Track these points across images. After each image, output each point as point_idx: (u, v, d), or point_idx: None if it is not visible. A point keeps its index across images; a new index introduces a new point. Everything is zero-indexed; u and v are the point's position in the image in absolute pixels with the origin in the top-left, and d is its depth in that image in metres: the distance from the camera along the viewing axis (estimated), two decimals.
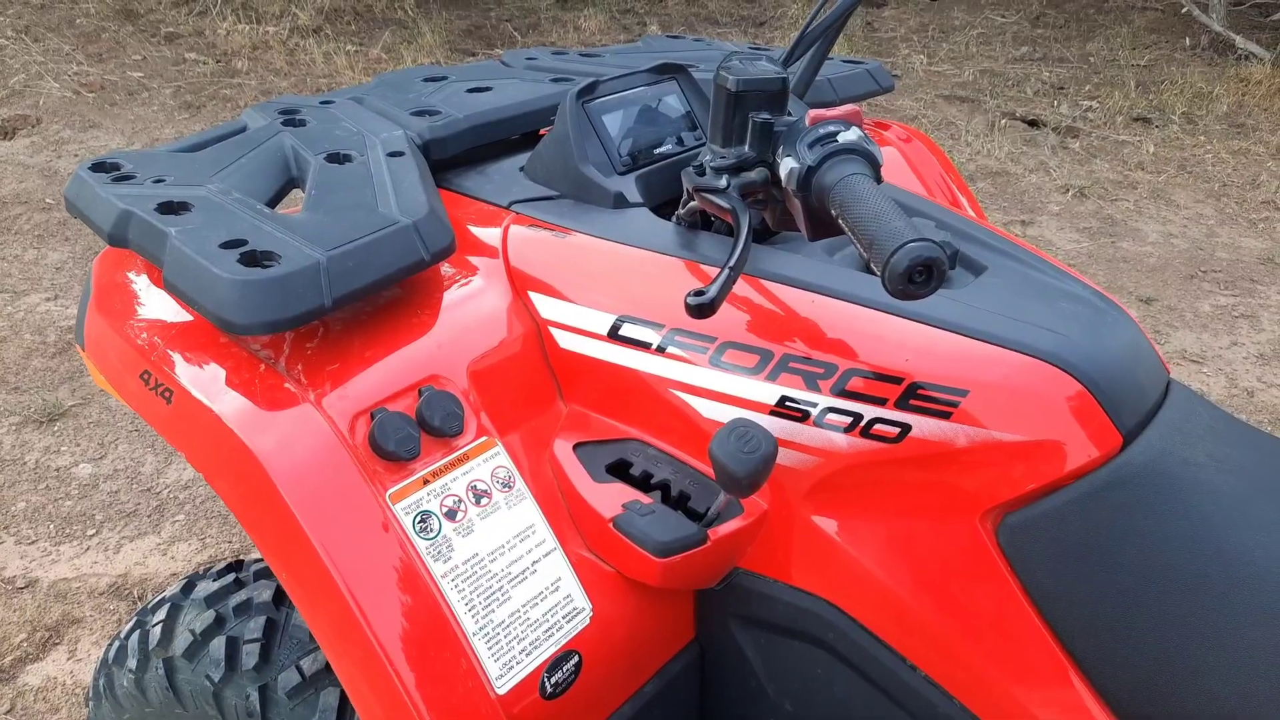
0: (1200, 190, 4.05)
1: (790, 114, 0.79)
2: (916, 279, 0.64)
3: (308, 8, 5.22)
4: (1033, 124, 4.58)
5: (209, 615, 1.07)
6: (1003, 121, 4.55)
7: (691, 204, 0.93)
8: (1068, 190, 3.94)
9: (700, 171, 0.82)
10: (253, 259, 0.80)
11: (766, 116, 0.79)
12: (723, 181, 0.79)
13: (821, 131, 0.75)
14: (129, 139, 3.93)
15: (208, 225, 0.85)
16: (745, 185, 0.79)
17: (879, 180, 0.75)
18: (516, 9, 5.85)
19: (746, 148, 0.80)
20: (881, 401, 0.82)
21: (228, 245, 0.82)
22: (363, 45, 4.97)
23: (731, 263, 0.75)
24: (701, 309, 0.74)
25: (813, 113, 0.76)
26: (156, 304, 0.96)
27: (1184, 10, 5.68)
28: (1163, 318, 3.12)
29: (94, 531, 2.13)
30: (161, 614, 1.11)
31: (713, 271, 0.92)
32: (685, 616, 0.98)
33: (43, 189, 3.50)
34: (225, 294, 0.77)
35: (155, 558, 2.07)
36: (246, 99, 4.34)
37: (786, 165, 0.76)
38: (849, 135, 0.74)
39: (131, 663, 1.11)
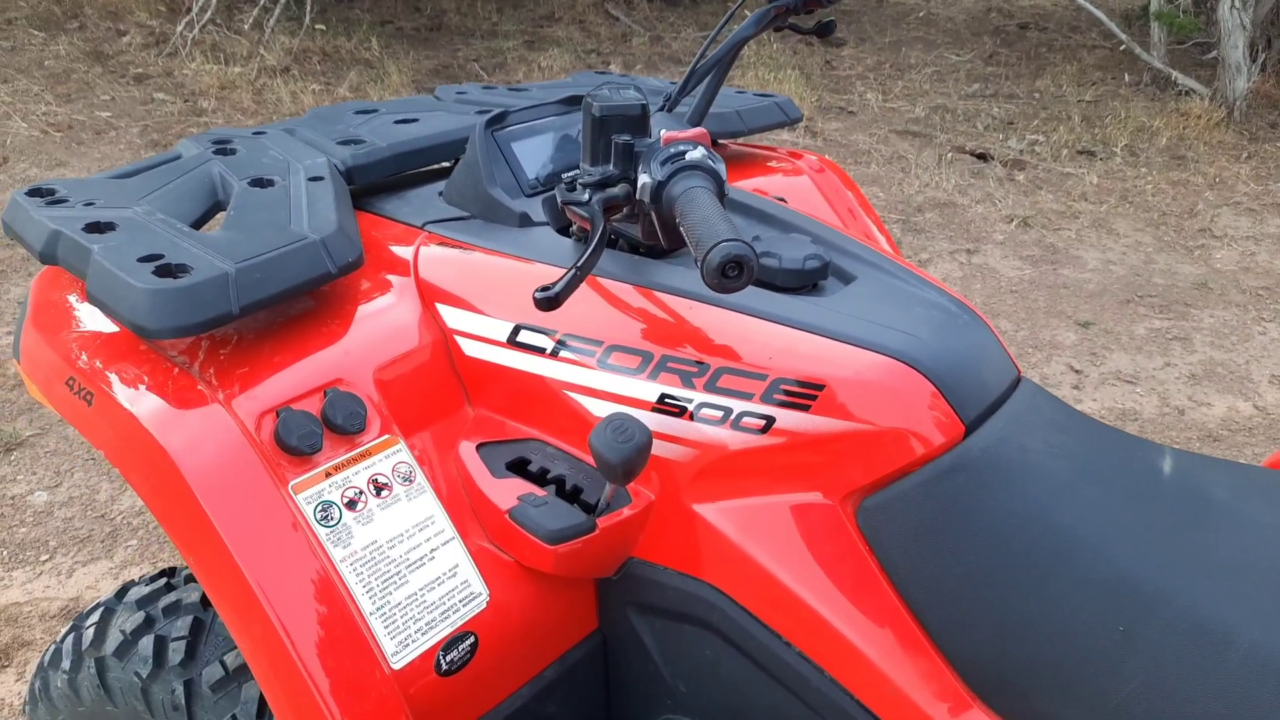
0: (1140, 219, 4.19)
1: (650, 137, 0.88)
2: (730, 274, 0.72)
3: (276, 49, 5.33)
4: (981, 157, 4.73)
5: (139, 616, 1.13)
6: (950, 155, 4.70)
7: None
8: (1012, 220, 4.07)
9: (571, 187, 0.90)
10: (167, 271, 0.87)
11: (627, 138, 0.88)
12: (586, 195, 0.88)
13: (672, 150, 0.84)
14: None
15: (129, 243, 0.92)
16: (609, 200, 0.88)
17: (722, 194, 0.83)
18: (484, 49, 5.98)
19: (611, 166, 0.89)
20: (748, 396, 0.90)
21: (145, 259, 0.89)
22: (329, 85, 5.07)
23: (580, 263, 0.83)
24: (548, 302, 0.82)
25: (666, 134, 0.85)
26: (86, 318, 1.03)
27: (1124, 49, 5.89)
28: (1099, 340, 3.23)
29: (47, 557, 2.16)
30: (95, 617, 1.16)
31: (604, 281, 1.00)
32: (587, 606, 1.05)
33: None
34: (139, 301, 0.84)
35: (107, 581, 2.11)
36: None
37: (642, 180, 0.85)
38: (695, 154, 0.83)
39: (65, 664, 1.16)
